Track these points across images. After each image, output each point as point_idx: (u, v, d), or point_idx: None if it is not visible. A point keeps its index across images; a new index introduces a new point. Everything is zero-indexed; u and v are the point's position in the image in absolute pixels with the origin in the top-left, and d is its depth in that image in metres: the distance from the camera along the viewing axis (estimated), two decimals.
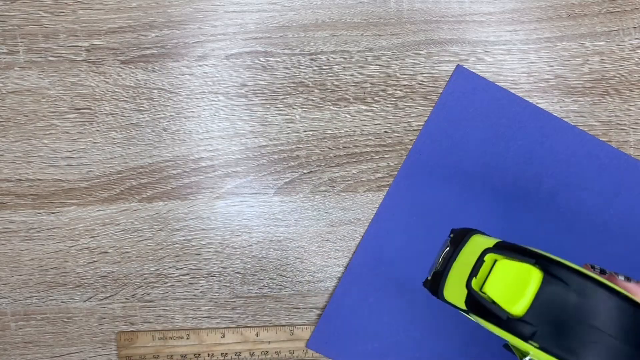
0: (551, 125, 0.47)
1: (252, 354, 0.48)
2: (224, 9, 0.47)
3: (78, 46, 0.47)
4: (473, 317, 0.32)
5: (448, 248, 0.34)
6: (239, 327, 0.48)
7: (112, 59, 0.47)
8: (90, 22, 0.47)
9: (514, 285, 0.29)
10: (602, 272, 0.32)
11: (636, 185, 0.46)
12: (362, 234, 0.47)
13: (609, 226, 0.46)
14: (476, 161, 0.47)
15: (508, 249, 0.31)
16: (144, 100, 0.48)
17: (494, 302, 0.29)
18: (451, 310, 0.47)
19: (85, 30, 0.47)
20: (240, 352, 0.48)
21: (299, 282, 0.48)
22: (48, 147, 0.48)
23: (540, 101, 0.47)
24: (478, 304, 0.30)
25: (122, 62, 0.47)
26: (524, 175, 0.47)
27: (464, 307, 0.31)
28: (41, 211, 0.48)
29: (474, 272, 0.30)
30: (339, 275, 0.48)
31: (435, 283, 0.33)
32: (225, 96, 0.48)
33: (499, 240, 0.32)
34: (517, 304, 0.29)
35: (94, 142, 0.48)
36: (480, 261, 0.31)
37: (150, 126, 0.48)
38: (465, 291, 0.31)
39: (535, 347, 0.28)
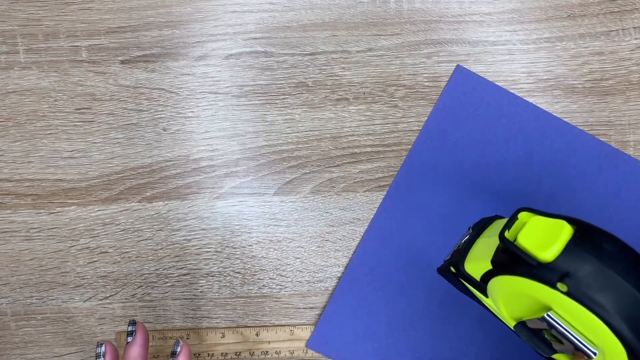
0: (551, 125, 0.47)
1: (252, 354, 0.48)
2: (224, 9, 0.47)
3: (78, 46, 0.47)
4: (491, 291, 0.33)
5: (468, 235, 0.35)
6: (239, 327, 0.48)
7: (112, 59, 0.47)
8: (90, 22, 0.47)
9: (546, 237, 0.30)
10: None
11: (636, 185, 0.46)
12: (362, 234, 0.47)
13: (609, 226, 0.46)
14: (476, 161, 0.47)
15: (542, 212, 0.32)
16: (144, 100, 0.48)
17: (524, 251, 0.31)
18: (451, 311, 0.47)
19: (85, 30, 0.47)
20: (240, 352, 0.48)
21: (299, 282, 0.48)
22: (48, 147, 0.48)
23: (540, 101, 0.47)
24: (507, 257, 0.31)
25: (122, 62, 0.47)
26: (524, 175, 0.47)
27: (487, 268, 0.32)
28: (41, 211, 0.48)
29: (508, 226, 0.32)
30: (339, 275, 0.48)
31: (456, 259, 0.35)
32: (225, 96, 0.48)
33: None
34: (548, 250, 0.30)
35: (94, 142, 0.48)
36: (513, 218, 0.32)
37: (150, 126, 0.48)
38: (490, 255, 0.32)
39: (562, 292, 0.29)
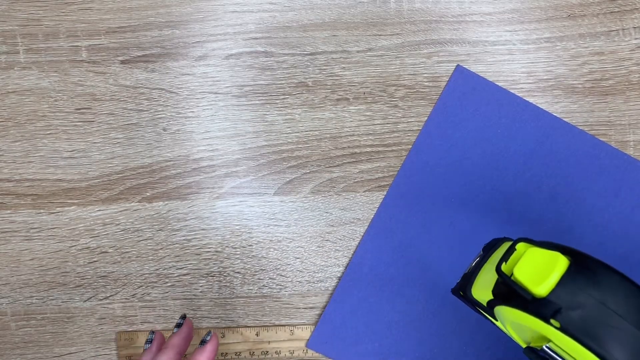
0: (551, 125, 0.47)
1: (252, 354, 0.48)
2: (224, 9, 0.47)
3: (78, 46, 0.47)
4: (497, 316, 0.33)
5: (481, 254, 0.36)
6: (239, 327, 0.48)
7: (112, 59, 0.47)
8: (90, 22, 0.47)
9: (541, 270, 0.30)
10: None
11: (636, 185, 0.46)
12: (362, 234, 0.47)
13: (609, 226, 0.46)
14: (476, 161, 0.47)
15: (540, 242, 0.32)
16: (144, 100, 0.48)
17: (520, 285, 0.31)
18: (451, 311, 0.47)
19: (85, 30, 0.47)
20: (240, 352, 0.48)
21: (299, 282, 0.48)
22: (48, 147, 0.48)
23: (540, 101, 0.47)
24: (505, 289, 0.31)
25: (122, 62, 0.47)
26: (524, 175, 0.47)
27: (489, 296, 0.33)
28: (41, 211, 0.48)
29: (505, 258, 0.32)
30: (339, 275, 0.48)
31: (464, 283, 0.35)
32: (225, 96, 0.48)
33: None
34: (542, 285, 0.30)
35: (94, 142, 0.48)
36: (511, 249, 0.32)
37: (150, 126, 0.48)
38: (492, 284, 0.32)
39: (555, 327, 0.29)
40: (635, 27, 0.47)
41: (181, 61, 0.47)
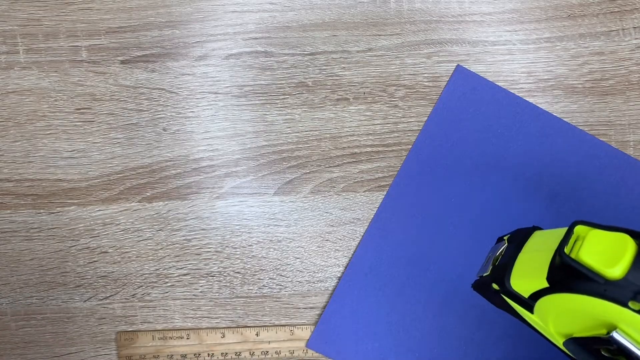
0: (551, 125, 0.47)
1: (252, 354, 0.48)
2: (224, 9, 0.47)
3: (78, 46, 0.47)
4: (540, 309, 0.31)
5: (505, 246, 0.34)
6: (239, 327, 0.48)
7: (112, 59, 0.47)
8: (90, 22, 0.47)
9: (610, 252, 0.29)
10: None
11: (636, 185, 0.46)
12: (362, 234, 0.47)
13: None
14: (476, 161, 0.47)
15: (597, 225, 0.31)
16: (144, 100, 0.48)
17: (589, 268, 0.29)
18: (451, 311, 0.47)
19: (85, 30, 0.47)
20: (240, 352, 0.48)
21: (299, 282, 0.48)
22: (48, 147, 0.48)
23: (540, 101, 0.47)
24: (567, 274, 0.30)
25: (122, 62, 0.47)
26: (524, 175, 0.47)
27: (541, 285, 0.31)
28: (41, 211, 0.48)
29: (565, 241, 0.30)
30: (339, 275, 0.48)
31: (499, 275, 0.33)
32: (225, 96, 0.48)
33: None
34: (616, 267, 0.28)
35: (94, 142, 0.48)
36: (570, 232, 0.31)
37: (150, 126, 0.48)
38: (543, 272, 0.30)
39: (634, 310, 0.28)
40: (635, 27, 0.47)
41: (181, 61, 0.47)
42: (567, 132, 0.47)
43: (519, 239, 0.33)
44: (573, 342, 0.31)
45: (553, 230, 0.33)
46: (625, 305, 0.28)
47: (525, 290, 0.32)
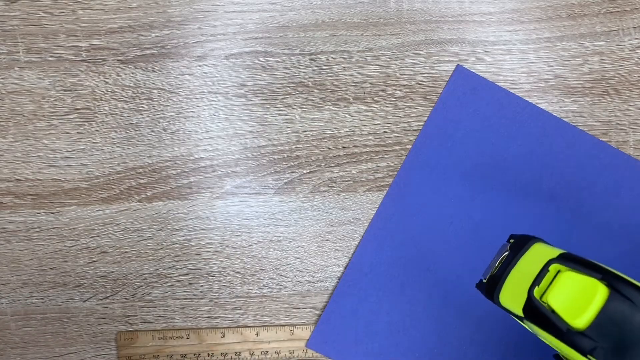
0: (551, 125, 0.47)
1: (252, 354, 0.48)
2: (224, 9, 0.47)
3: (78, 46, 0.47)
4: (527, 324, 0.32)
5: (507, 253, 0.33)
6: (239, 327, 0.48)
7: (112, 59, 0.47)
8: (90, 22, 0.47)
9: (578, 298, 0.28)
10: None
11: (636, 185, 0.46)
12: (362, 234, 0.47)
13: (609, 226, 0.46)
14: (476, 161, 0.47)
15: (573, 261, 0.30)
16: (144, 100, 0.48)
17: (554, 313, 0.29)
18: (451, 311, 0.47)
19: (85, 30, 0.47)
20: (240, 352, 0.48)
21: (299, 282, 0.48)
22: (48, 147, 0.48)
23: (540, 101, 0.47)
24: (537, 312, 0.30)
25: (122, 62, 0.47)
26: (524, 175, 0.47)
27: (519, 313, 0.31)
28: (41, 211, 0.48)
29: (537, 280, 0.30)
30: (339, 275, 0.48)
31: (492, 287, 0.33)
32: (225, 96, 0.48)
33: (563, 251, 0.31)
34: (580, 317, 0.28)
35: (94, 142, 0.48)
36: (544, 270, 0.30)
37: (150, 126, 0.48)
38: (523, 298, 0.30)
39: None
40: (635, 27, 0.47)
41: (181, 61, 0.47)
42: (567, 132, 0.47)
43: (519, 248, 0.33)
44: (558, 358, 0.31)
45: (548, 249, 0.32)
46: (585, 356, 0.28)
47: (512, 309, 0.32)
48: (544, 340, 0.32)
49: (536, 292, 0.30)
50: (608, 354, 0.28)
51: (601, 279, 0.29)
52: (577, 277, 0.29)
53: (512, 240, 0.34)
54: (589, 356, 0.28)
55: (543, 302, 0.30)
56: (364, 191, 0.48)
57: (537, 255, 0.32)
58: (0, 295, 0.48)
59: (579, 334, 0.28)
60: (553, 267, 0.30)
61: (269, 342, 0.48)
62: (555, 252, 0.31)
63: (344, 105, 0.48)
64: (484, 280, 0.34)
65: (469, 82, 0.47)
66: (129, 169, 0.48)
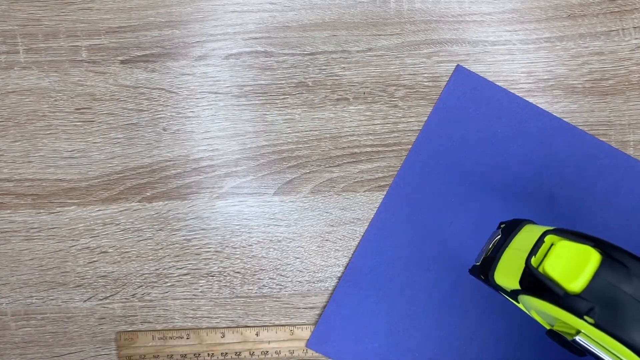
0: (551, 125, 0.47)
1: (252, 354, 0.48)
2: (224, 9, 0.47)
3: (78, 46, 0.47)
4: (522, 302, 0.33)
5: (499, 237, 0.35)
6: (239, 327, 0.48)
7: (112, 59, 0.47)
8: (90, 22, 0.47)
9: (573, 265, 0.30)
10: None
11: (636, 185, 0.46)
12: (362, 234, 0.47)
13: (609, 226, 0.46)
14: (476, 161, 0.47)
15: (567, 232, 0.32)
16: (144, 100, 0.48)
17: (551, 280, 0.30)
18: (451, 311, 0.47)
19: (85, 30, 0.47)
20: (240, 352, 0.48)
21: (299, 282, 0.48)
22: (48, 147, 0.48)
23: (540, 101, 0.47)
24: (535, 281, 0.31)
25: (122, 62, 0.47)
26: (524, 175, 0.47)
27: (516, 286, 0.32)
28: (41, 211, 0.48)
29: (534, 251, 0.31)
30: (339, 275, 0.48)
31: (486, 267, 0.34)
32: (225, 96, 0.48)
33: (554, 228, 0.33)
34: (575, 281, 0.30)
35: (94, 142, 0.48)
36: (540, 241, 0.31)
37: (150, 126, 0.48)
38: (519, 272, 0.32)
39: (589, 323, 0.29)
40: (635, 27, 0.47)
41: (181, 61, 0.47)
42: (567, 132, 0.47)
43: (511, 230, 0.34)
44: (553, 333, 0.32)
45: (541, 227, 0.33)
46: (581, 317, 0.29)
47: (506, 286, 0.33)
48: (538, 316, 0.33)
49: (533, 261, 0.31)
50: (603, 313, 0.29)
51: (594, 246, 0.30)
52: (571, 245, 0.30)
53: (503, 225, 0.35)
54: (585, 317, 0.29)
55: (540, 271, 0.31)
56: (364, 191, 0.48)
57: (531, 232, 0.33)
58: (0, 295, 0.48)
59: (576, 297, 0.29)
60: (548, 239, 0.32)
61: (269, 342, 0.48)
62: (547, 228, 0.33)
63: (344, 105, 0.48)
64: (478, 264, 0.35)
65: (469, 82, 0.47)
66: (129, 169, 0.48)
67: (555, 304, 0.30)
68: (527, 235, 0.34)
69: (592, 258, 0.30)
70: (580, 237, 0.31)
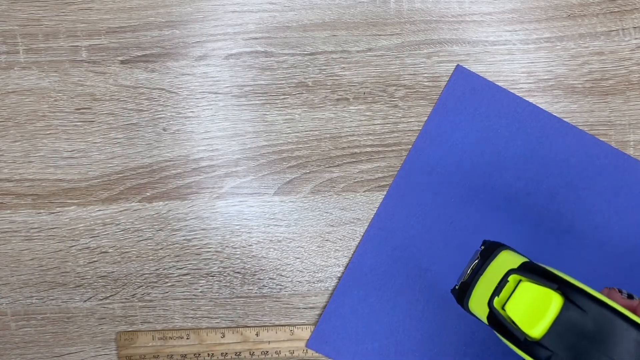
0: (551, 125, 0.47)
1: (252, 354, 0.48)
2: (224, 9, 0.47)
3: (78, 46, 0.47)
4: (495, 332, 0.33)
5: (478, 260, 0.35)
6: (239, 327, 0.48)
7: (112, 59, 0.47)
8: (90, 22, 0.47)
9: (534, 308, 0.30)
10: (630, 297, 0.32)
11: (636, 185, 0.46)
12: (362, 234, 0.47)
13: (609, 226, 0.46)
14: (476, 161, 0.47)
15: (532, 271, 0.31)
16: (144, 100, 0.48)
17: (513, 323, 0.30)
18: (451, 311, 0.47)
19: (85, 30, 0.47)
20: (240, 352, 0.48)
21: (299, 282, 0.48)
22: (48, 147, 0.48)
23: (540, 101, 0.47)
24: (499, 322, 0.31)
25: (122, 62, 0.47)
26: (524, 175, 0.47)
27: (485, 321, 0.32)
28: (41, 211, 0.48)
29: (497, 290, 0.31)
30: (339, 275, 0.48)
31: (462, 293, 0.34)
32: (225, 96, 0.48)
33: (526, 260, 0.32)
34: (536, 328, 0.30)
35: (94, 142, 0.48)
36: (504, 281, 0.31)
37: (150, 126, 0.48)
38: (486, 310, 0.32)
39: None
40: (635, 27, 0.47)
41: (181, 61, 0.47)
42: (567, 132, 0.47)
43: (488, 254, 0.34)
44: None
45: (513, 257, 0.33)
46: None
47: (479, 316, 0.33)
48: (511, 348, 0.33)
49: (497, 302, 0.31)
50: None
51: (557, 289, 0.30)
52: (534, 287, 0.30)
53: (482, 247, 0.35)
54: None
55: (503, 312, 0.31)
56: (364, 191, 0.48)
57: (502, 264, 0.33)
58: (0, 295, 0.48)
59: (536, 344, 0.30)
60: (512, 278, 0.31)
61: (269, 342, 0.48)
62: (518, 260, 0.32)
63: (344, 105, 0.48)
64: (456, 287, 0.35)
65: (469, 82, 0.47)
66: (129, 169, 0.48)
67: (517, 347, 0.30)
68: (498, 268, 0.33)
69: (553, 302, 0.30)
70: (545, 278, 0.31)
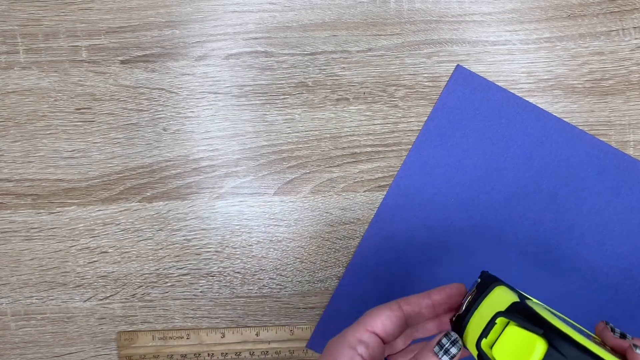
0: (551, 125, 0.47)
1: (252, 354, 0.48)
2: (224, 9, 0.47)
3: (78, 46, 0.47)
4: None
5: (474, 293, 0.36)
6: (239, 327, 0.48)
7: (112, 59, 0.47)
8: (90, 22, 0.47)
9: (520, 353, 0.31)
10: (622, 336, 0.33)
11: (636, 185, 0.46)
12: (362, 234, 0.47)
13: (609, 226, 0.46)
14: (476, 161, 0.47)
15: (521, 312, 0.32)
16: (144, 100, 0.48)
17: None
18: None
19: (85, 30, 0.47)
20: (240, 352, 0.48)
21: (299, 282, 0.48)
22: (48, 147, 0.48)
23: (540, 101, 0.47)
24: None
25: (122, 62, 0.47)
26: (524, 175, 0.47)
27: (475, 356, 0.33)
28: (41, 211, 0.48)
29: (485, 332, 0.32)
30: (339, 275, 0.48)
31: (458, 325, 0.35)
32: (225, 96, 0.48)
33: (517, 299, 0.33)
34: None
35: (94, 142, 0.48)
36: (492, 323, 0.32)
37: (150, 126, 0.48)
38: (473, 348, 0.33)
39: None
40: (635, 27, 0.47)
41: (181, 61, 0.47)
42: (567, 132, 0.47)
43: (483, 289, 0.35)
44: None
45: (505, 295, 0.34)
46: None
47: (472, 352, 0.34)
48: None
49: (485, 343, 0.32)
50: None
51: (542, 334, 0.31)
52: (520, 332, 0.31)
53: (479, 280, 0.36)
54: None
55: (490, 353, 0.32)
56: (364, 191, 0.48)
57: (494, 301, 0.34)
58: (0, 295, 0.48)
59: None
60: (500, 320, 0.32)
61: (269, 342, 0.48)
62: (509, 299, 0.33)
63: (344, 105, 0.48)
64: (453, 318, 0.36)
65: (469, 82, 0.47)
66: (129, 169, 0.48)
67: None
68: (490, 307, 0.34)
69: (537, 348, 0.30)
70: (532, 323, 0.32)
